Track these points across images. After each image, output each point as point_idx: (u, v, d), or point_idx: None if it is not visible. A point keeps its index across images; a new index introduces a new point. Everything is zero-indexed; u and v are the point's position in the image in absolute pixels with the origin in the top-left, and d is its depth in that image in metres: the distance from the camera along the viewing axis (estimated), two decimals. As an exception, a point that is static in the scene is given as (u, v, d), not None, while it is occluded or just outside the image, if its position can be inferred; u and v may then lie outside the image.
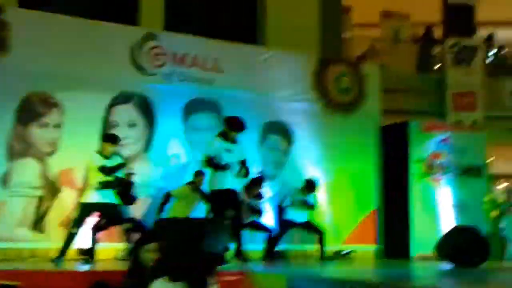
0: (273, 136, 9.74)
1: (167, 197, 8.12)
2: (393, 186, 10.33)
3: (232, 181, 7.83)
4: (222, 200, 7.71)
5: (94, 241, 7.58)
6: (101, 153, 7.58)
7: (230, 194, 7.79)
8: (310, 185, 9.08)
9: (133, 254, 4.84)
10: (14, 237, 7.83)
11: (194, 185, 8.23)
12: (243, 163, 7.88)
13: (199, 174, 8.27)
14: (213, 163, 7.74)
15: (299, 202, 8.98)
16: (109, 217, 7.61)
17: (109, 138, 7.75)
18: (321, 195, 9.72)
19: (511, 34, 15.57)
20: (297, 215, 8.99)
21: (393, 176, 10.36)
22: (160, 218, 7.82)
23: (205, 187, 8.10)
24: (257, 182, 8.72)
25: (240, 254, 7.84)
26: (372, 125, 10.47)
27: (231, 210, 7.65)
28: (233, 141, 7.89)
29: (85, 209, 7.47)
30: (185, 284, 3.95)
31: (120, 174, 7.66)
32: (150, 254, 4.74)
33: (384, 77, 11.04)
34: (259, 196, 8.76)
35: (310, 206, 9.07)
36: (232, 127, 7.87)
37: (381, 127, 10.57)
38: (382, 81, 10.87)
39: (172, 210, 8.09)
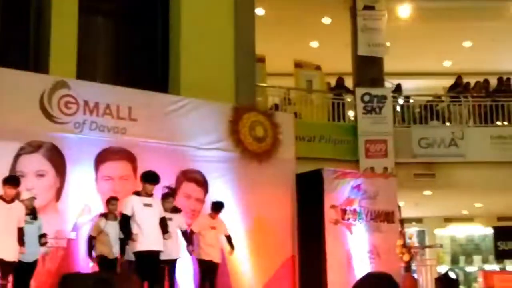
0: (189, 184, 9.67)
1: (90, 240, 8.05)
2: (308, 233, 10.41)
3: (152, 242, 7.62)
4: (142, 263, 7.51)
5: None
6: (2, 198, 7.28)
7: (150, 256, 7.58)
8: (217, 206, 9.00)
9: None
10: None
11: (107, 215, 8.11)
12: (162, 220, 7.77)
13: (110, 200, 8.15)
14: (124, 224, 7.59)
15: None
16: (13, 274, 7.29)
17: (9, 180, 7.41)
18: (238, 243, 9.68)
19: (416, 84, 16.40)
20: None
21: (308, 223, 10.46)
22: (67, 274, 7.57)
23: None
24: (168, 194, 8.58)
25: None
26: (287, 172, 10.59)
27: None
28: (150, 194, 7.78)
29: None
30: None
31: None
32: None
33: (298, 125, 11.26)
34: (175, 209, 8.57)
35: None
36: (148, 179, 7.77)
37: (297, 175, 10.71)
38: (297, 130, 11.08)
39: (97, 250, 8.01)
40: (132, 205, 7.59)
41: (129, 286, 5.83)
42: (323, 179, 10.51)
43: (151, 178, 7.81)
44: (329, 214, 10.44)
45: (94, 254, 8.12)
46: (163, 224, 7.74)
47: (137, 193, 7.81)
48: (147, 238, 7.55)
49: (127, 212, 7.57)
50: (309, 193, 10.61)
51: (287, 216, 10.41)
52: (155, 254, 7.60)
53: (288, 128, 10.82)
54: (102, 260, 8.00)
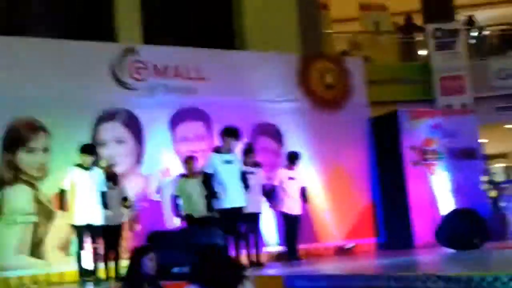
0: (264, 138, 9.71)
1: (174, 199, 8.27)
2: (388, 177, 10.30)
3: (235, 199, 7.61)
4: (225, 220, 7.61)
5: (95, 261, 7.52)
6: (81, 165, 7.51)
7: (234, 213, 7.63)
8: (293, 157, 8.95)
9: (131, 263, 4.87)
10: (13, 265, 7.78)
11: (187, 174, 8.25)
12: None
13: (187, 160, 8.25)
14: (207, 183, 7.58)
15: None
16: (102, 237, 7.58)
17: (86, 149, 7.62)
18: (317, 192, 9.71)
19: (489, 15, 15.66)
20: None
21: (387, 166, 10.34)
22: (154, 231, 7.78)
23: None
24: (248, 150, 8.51)
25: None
26: (361, 118, 10.46)
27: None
28: (230, 150, 7.68)
29: (79, 231, 7.43)
30: None
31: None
32: (150, 262, 4.77)
33: (369, 69, 11.05)
34: (255, 164, 8.51)
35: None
36: (229, 134, 7.64)
37: (371, 119, 10.55)
38: (367, 74, 10.87)
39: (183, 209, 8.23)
40: (213, 163, 7.60)
41: (214, 239, 5.97)
42: (399, 121, 10.32)
43: (233, 133, 7.63)
44: (409, 156, 10.27)
45: (180, 213, 8.31)
46: (244, 179, 7.75)
47: (217, 150, 7.71)
48: (229, 195, 7.57)
49: (209, 170, 7.57)
50: (386, 136, 10.45)
51: (364, 162, 10.32)
52: (238, 210, 7.64)
53: (358, 72, 10.65)
54: (188, 219, 8.19)
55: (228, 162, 7.58)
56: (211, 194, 7.46)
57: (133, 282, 4.84)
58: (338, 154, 10.04)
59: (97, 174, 7.60)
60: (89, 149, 7.63)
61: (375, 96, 11.01)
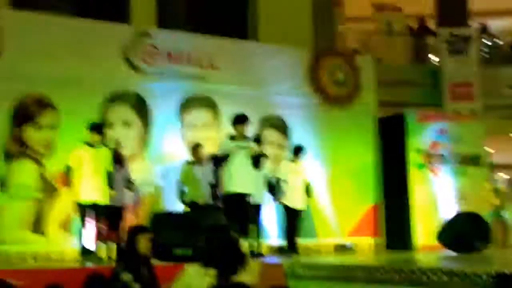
0: (270, 131, 9.70)
1: (179, 185, 8.24)
2: (392, 178, 10.29)
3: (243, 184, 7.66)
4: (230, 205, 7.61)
5: (96, 240, 7.53)
6: (88, 143, 7.51)
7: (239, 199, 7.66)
8: (298, 150, 8.94)
9: (128, 239, 4.88)
10: (15, 239, 7.78)
11: (194, 161, 8.20)
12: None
13: (195, 147, 8.24)
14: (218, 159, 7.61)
15: None
16: (105, 216, 7.57)
17: (95, 127, 7.64)
18: (320, 188, 9.70)
19: (503, 24, 15.62)
20: None
21: (392, 167, 10.33)
22: (157, 212, 7.79)
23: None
24: (256, 140, 8.38)
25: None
26: (369, 117, 10.43)
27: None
28: (243, 137, 7.77)
29: (83, 210, 7.44)
30: (216, 270, 4.05)
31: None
32: (145, 241, 4.73)
33: (379, 69, 11.03)
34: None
35: None
36: (239, 120, 7.78)
37: (379, 119, 10.53)
38: (377, 74, 10.86)
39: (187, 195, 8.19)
40: (225, 148, 7.63)
41: (217, 222, 5.98)
42: (406, 123, 10.30)
43: (241, 119, 7.77)
44: (414, 159, 10.26)
45: (184, 199, 8.28)
46: (256, 161, 7.77)
47: (231, 137, 7.78)
48: (239, 181, 7.59)
49: (221, 154, 7.62)
50: (392, 138, 10.44)
51: (370, 161, 10.30)
52: (244, 197, 7.67)
53: (369, 71, 10.61)
54: (192, 206, 8.17)
55: (241, 148, 7.64)
56: (219, 180, 7.47)
57: (127, 260, 4.84)
58: (344, 151, 10.02)
59: (105, 153, 7.59)
60: (97, 127, 7.64)
61: (384, 96, 11.01)
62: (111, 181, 7.55)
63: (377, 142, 10.41)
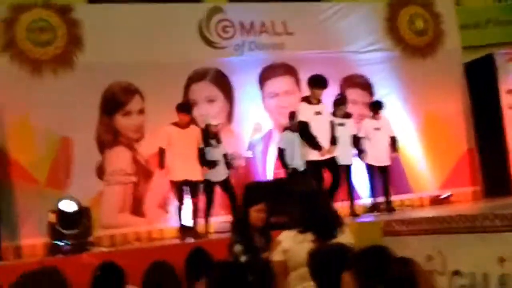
0: (354, 90, 9.58)
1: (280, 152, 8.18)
2: (485, 122, 9.92)
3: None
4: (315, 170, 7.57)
5: (194, 217, 7.69)
6: (177, 124, 7.65)
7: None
8: (375, 106, 8.76)
9: (241, 212, 4.94)
10: (117, 223, 8.14)
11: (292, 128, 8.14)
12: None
13: (292, 114, 8.11)
14: (305, 132, 7.49)
15: None
16: (202, 192, 7.75)
17: (182, 107, 7.75)
18: (412, 141, 9.53)
19: None
20: None
21: (484, 112, 9.95)
22: (251, 182, 7.88)
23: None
24: (340, 101, 8.43)
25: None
26: (454, 63, 10.10)
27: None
28: (319, 101, 7.59)
29: (178, 187, 7.62)
30: (314, 235, 4.04)
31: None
32: (258, 213, 4.78)
33: (461, 12, 10.60)
34: (347, 115, 8.45)
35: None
36: (316, 83, 7.53)
37: (465, 64, 10.16)
38: (460, 17, 10.45)
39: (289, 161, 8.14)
40: (305, 113, 7.55)
41: (310, 187, 5.99)
42: (495, 64, 9.87)
43: (319, 82, 7.49)
44: (507, 100, 9.83)
45: (287, 165, 8.19)
46: (332, 130, 7.66)
47: (307, 100, 7.61)
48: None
49: (304, 119, 7.55)
50: (482, 81, 10.03)
51: (459, 108, 10.00)
52: (328, 161, 7.55)
53: (450, 16, 10.25)
54: (293, 172, 8.08)
55: (318, 113, 7.52)
56: (312, 142, 7.40)
57: (239, 232, 4.87)
58: (432, 101, 9.76)
59: (194, 132, 7.74)
60: (185, 107, 7.80)
61: (469, 40, 10.57)
62: (203, 158, 7.68)
63: (465, 87, 10.06)
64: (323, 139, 7.52)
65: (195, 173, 7.59)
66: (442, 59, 10.01)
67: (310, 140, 7.44)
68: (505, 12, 11.95)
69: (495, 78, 9.85)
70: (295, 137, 7.90)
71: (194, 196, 7.66)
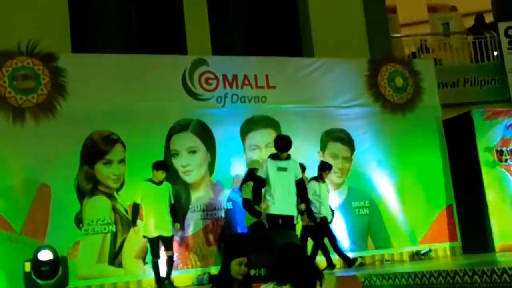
0: (334, 144, 9.66)
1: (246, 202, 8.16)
2: (464, 179, 10.04)
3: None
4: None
5: (168, 269, 7.71)
6: (152, 180, 7.78)
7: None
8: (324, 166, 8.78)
9: (223, 266, 4.90)
10: (94, 273, 8.00)
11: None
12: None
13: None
14: (255, 187, 7.68)
15: None
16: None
17: (159, 165, 7.91)
18: (391, 196, 9.58)
19: None
20: None
21: (463, 169, 10.08)
22: (228, 235, 7.85)
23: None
24: (325, 166, 8.62)
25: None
26: (433, 120, 10.27)
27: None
28: (286, 157, 7.71)
29: (152, 242, 7.69)
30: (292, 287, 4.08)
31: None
32: (239, 266, 4.76)
33: (440, 72, 10.84)
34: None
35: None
36: (276, 147, 7.76)
37: (444, 121, 10.34)
38: (438, 76, 10.69)
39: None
40: (267, 168, 7.66)
41: (289, 240, 5.97)
42: (473, 122, 10.05)
43: (278, 145, 7.72)
44: (484, 158, 9.98)
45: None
46: (301, 188, 7.72)
47: (273, 156, 7.76)
48: (279, 203, 7.57)
49: (262, 174, 7.67)
50: (460, 138, 10.21)
51: (439, 165, 10.10)
52: (287, 218, 7.59)
53: (429, 73, 10.46)
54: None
55: (282, 169, 7.60)
56: (257, 199, 7.49)
57: (219, 285, 4.84)
58: (412, 156, 9.89)
59: (167, 188, 7.89)
60: (160, 165, 7.91)
61: (447, 98, 10.78)
62: (175, 213, 7.87)
63: (444, 144, 10.20)
64: (283, 196, 7.58)
65: (167, 228, 7.73)
66: (422, 116, 10.17)
67: (254, 197, 7.64)
68: (482, 72, 12.29)
69: (473, 135, 10.02)
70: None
71: (168, 249, 7.72)
